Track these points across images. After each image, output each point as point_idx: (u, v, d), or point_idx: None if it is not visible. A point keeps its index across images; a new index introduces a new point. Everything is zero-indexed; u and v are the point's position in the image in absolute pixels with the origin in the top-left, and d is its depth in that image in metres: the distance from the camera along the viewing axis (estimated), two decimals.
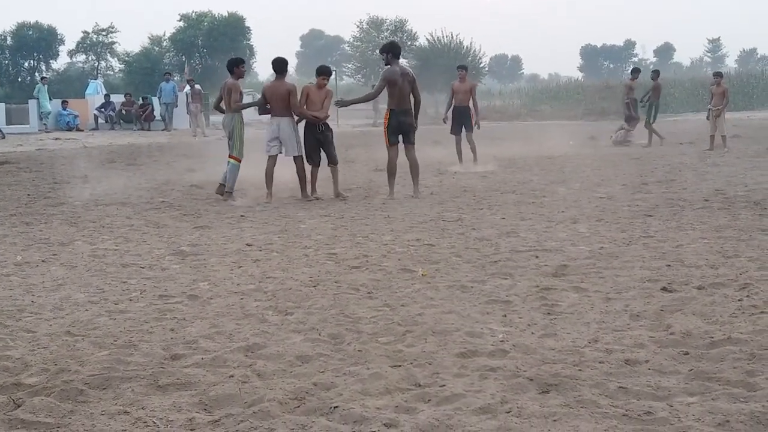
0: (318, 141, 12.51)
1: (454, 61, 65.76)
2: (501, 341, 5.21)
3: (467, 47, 69.96)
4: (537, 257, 7.87)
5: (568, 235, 9.10)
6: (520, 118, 46.47)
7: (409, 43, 73.72)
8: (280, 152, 12.47)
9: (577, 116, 39.77)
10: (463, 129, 17.63)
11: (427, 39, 71.67)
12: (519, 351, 5.00)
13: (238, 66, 12.71)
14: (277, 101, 12.39)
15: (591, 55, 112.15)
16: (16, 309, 6.21)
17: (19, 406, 4.21)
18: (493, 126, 37.23)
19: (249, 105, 13.39)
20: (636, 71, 25.28)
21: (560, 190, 13.21)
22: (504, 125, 38.27)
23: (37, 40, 63.63)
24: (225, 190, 12.56)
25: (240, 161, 12.62)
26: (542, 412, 4.04)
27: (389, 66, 12.45)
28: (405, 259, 7.92)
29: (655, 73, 25.09)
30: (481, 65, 72.80)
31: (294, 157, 12.46)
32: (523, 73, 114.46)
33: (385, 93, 12.69)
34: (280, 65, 12.47)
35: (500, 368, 4.68)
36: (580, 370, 4.64)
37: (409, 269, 7.43)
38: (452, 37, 69.98)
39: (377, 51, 72.89)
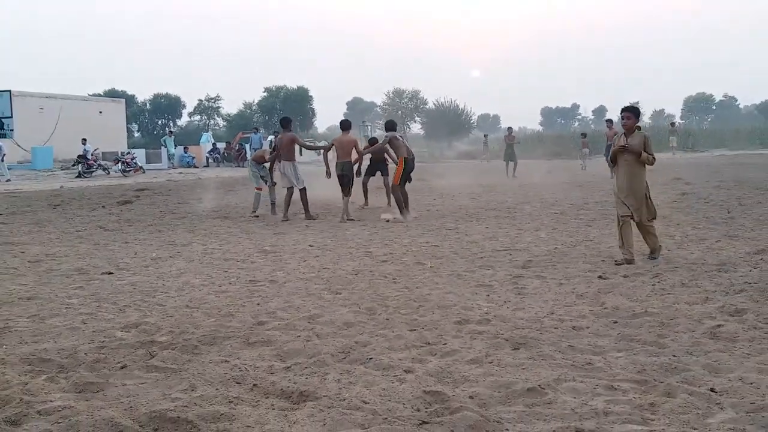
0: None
1: (454, 119, 65.98)
2: (486, 313, 5.17)
3: (462, 108, 69.97)
4: (510, 254, 7.81)
5: (533, 239, 9.03)
6: (499, 159, 46.17)
7: (421, 106, 73.92)
8: (290, 185, 11.97)
9: (538, 156, 39.47)
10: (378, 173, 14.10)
11: (433, 104, 71.80)
12: (498, 320, 4.97)
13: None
14: (283, 149, 11.92)
15: (548, 114, 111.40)
16: (152, 289, 6.26)
17: (153, 357, 4.23)
18: (480, 164, 37.07)
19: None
20: (610, 121, 24.10)
21: (527, 207, 13.11)
22: (488, 164, 38.10)
23: (167, 105, 64.42)
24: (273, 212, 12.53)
25: (260, 189, 12.71)
26: (515, 363, 4.01)
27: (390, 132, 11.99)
28: (419, 256, 7.89)
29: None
30: (472, 121, 72.78)
31: (299, 189, 11.82)
32: (500, 126, 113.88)
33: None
34: (284, 122, 12.15)
35: (485, 332, 4.66)
36: (541, 333, 4.60)
37: (421, 263, 7.41)
38: (451, 102, 70.09)
39: (399, 112, 73.47)
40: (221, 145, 36.77)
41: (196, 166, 33.63)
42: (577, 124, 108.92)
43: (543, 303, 5.48)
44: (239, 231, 10.52)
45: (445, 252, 8.14)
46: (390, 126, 12.28)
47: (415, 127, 77.43)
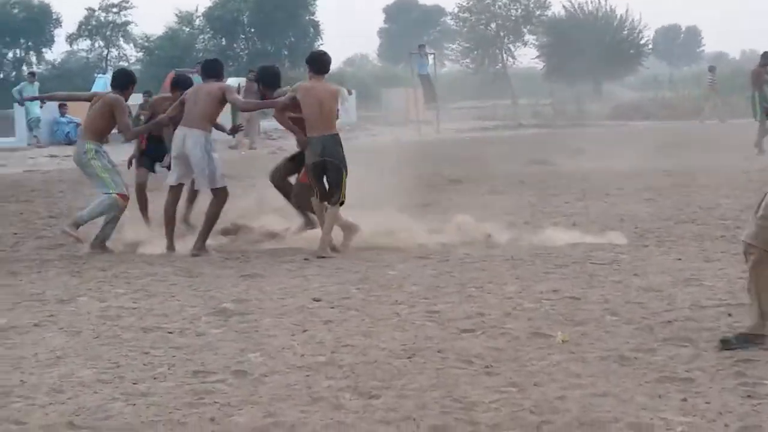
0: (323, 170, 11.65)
1: (603, 37, 65.79)
2: None
3: (621, 17, 69.62)
4: (730, 315, 7.74)
5: None
6: (701, 116, 45.81)
7: (538, 13, 73.87)
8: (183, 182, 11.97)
9: None
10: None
11: (563, 7, 71.62)
12: None
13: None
14: (190, 110, 11.80)
15: None
16: (0, 391, 6.37)
17: None
18: (661, 127, 36.80)
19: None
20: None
21: None
22: (677, 126, 37.76)
23: (26, 23, 65.49)
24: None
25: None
26: None
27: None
28: (537, 319, 7.87)
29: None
30: (643, 42, 72.36)
31: (213, 191, 11.88)
32: (703, 51, 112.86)
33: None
34: (208, 67, 12.35)
35: None
36: None
37: (544, 333, 7.38)
38: (599, 3, 69.76)
39: (492, 25, 73.51)
40: (134, 100, 37.16)
41: None
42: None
43: None
44: (172, 271, 10.63)
45: (592, 311, 8.12)
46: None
47: (526, 56, 77.38)
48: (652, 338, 7.14)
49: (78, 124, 34.61)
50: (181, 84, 13.08)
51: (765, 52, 26.22)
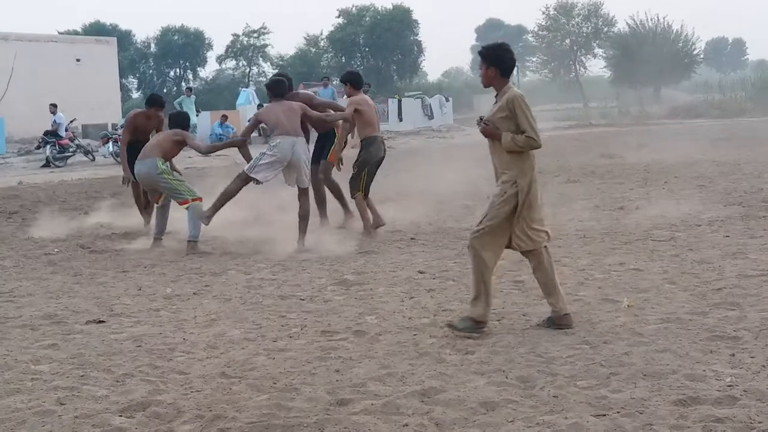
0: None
1: (661, 49, 64.70)
2: (729, 386, 5.05)
3: (677, 32, 68.39)
4: None
5: None
6: (745, 114, 44.79)
7: (605, 29, 72.92)
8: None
9: None
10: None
11: (627, 24, 70.64)
12: (752, 398, 4.84)
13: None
14: (290, 120, 11.06)
15: None
16: (167, 348, 6.50)
17: None
18: (711, 125, 36.11)
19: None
20: None
21: None
22: (725, 123, 37.02)
23: (183, 46, 66.69)
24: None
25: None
26: None
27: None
28: (606, 288, 7.80)
29: None
30: (695, 52, 70.99)
31: (303, 189, 11.18)
32: (747, 59, 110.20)
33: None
34: (275, 87, 11.40)
35: (729, 419, 4.55)
36: None
37: (612, 299, 7.32)
38: (658, 20, 68.63)
39: (566, 41, 72.75)
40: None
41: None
42: None
43: None
44: (302, 250, 10.70)
45: (653, 280, 8.02)
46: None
47: (595, 66, 76.56)
48: (704, 303, 7.04)
49: (233, 129, 34.90)
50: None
51: None
